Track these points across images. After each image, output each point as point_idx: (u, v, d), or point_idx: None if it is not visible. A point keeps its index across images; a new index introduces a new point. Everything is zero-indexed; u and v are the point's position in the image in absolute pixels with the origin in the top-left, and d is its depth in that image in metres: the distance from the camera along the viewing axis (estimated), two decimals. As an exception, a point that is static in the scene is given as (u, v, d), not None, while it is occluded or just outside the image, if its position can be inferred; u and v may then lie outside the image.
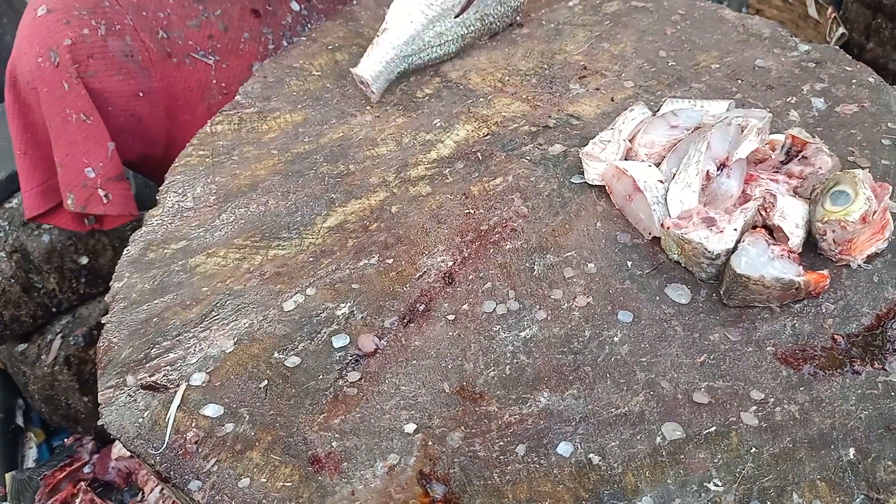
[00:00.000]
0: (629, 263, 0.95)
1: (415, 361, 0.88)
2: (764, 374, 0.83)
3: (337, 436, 0.81)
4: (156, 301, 0.97)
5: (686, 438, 0.78)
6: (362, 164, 1.15)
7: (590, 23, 1.41)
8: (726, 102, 1.09)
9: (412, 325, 0.91)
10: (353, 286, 0.96)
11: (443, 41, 1.30)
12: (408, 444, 0.80)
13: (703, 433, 0.78)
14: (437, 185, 1.09)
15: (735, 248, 0.88)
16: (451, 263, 0.98)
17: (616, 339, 0.87)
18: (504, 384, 0.84)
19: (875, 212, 0.89)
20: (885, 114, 1.12)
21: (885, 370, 0.82)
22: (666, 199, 0.95)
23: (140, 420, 0.84)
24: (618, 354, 0.86)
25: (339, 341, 0.90)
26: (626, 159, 1.03)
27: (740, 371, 0.83)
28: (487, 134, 1.17)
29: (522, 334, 0.89)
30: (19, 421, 1.91)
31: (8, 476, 1.71)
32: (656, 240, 0.96)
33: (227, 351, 0.90)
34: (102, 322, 0.96)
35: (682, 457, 0.76)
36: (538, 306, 0.91)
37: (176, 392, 0.86)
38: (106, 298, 0.98)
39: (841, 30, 2.20)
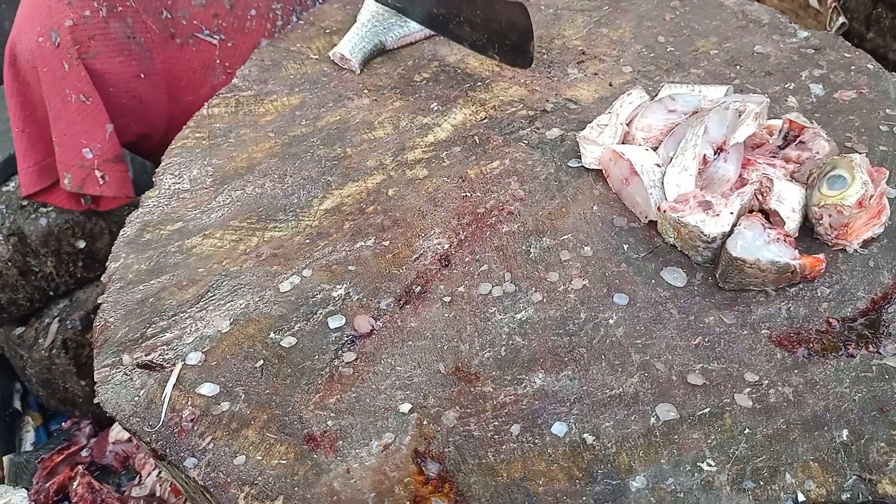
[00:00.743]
0: (625, 247, 0.95)
1: (410, 342, 0.88)
2: (758, 357, 0.83)
3: (332, 415, 0.81)
4: (152, 281, 0.97)
5: (680, 419, 0.78)
6: (359, 148, 1.15)
7: (588, 8, 1.41)
8: (724, 87, 1.08)
9: (408, 306, 0.91)
10: (350, 268, 0.96)
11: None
12: (403, 423, 0.80)
13: (696, 414, 0.78)
14: (433, 169, 1.09)
15: (731, 232, 0.88)
16: (447, 246, 0.98)
17: (611, 321, 0.88)
18: (499, 365, 0.85)
19: (871, 196, 0.89)
20: (884, 100, 1.12)
21: (880, 353, 0.82)
22: (663, 183, 0.95)
23: (136, 398, 0.84)
24: (613, 336, 0.86)
25: (335, 322, 0.90)
26: (623, 143, 1.03)
27: (735, 353, 0.83)
28: (485, 118, 1.17)
29: (518, 316, 0.89)
30: (17, 404, 1.91)
31: (5, 459, 1.72)
32: (653, 223, 0.96)
33: (223, 331, 0.90)
34: (99, 302, 0.96)
35: (676, 437, 0.77)
36: (534, 289, 0.92)
37: (172, 371, 0.86)
38: (102, 279, 0.99)
39: (841, 19, 2.19)
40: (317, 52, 1.36)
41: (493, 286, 0.92)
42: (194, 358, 0.87)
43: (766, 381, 0.81)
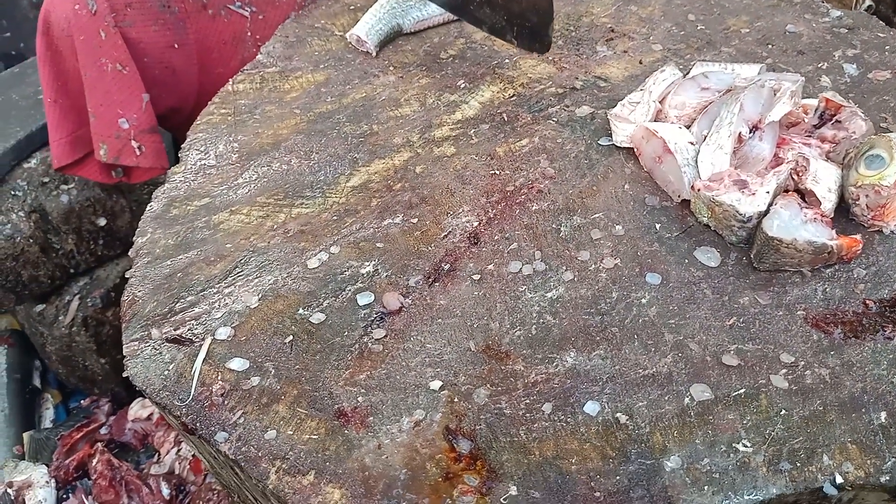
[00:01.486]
0: (657, 226, 0.94)
1: (440, 320, 0.87)
2: (794, 338, 0.82)
3: (363, 391, 0.81)
4: (179, 256, 0.97)
5: (715, 400, 0.77)
6: (385, 125, 1.14)
7: (617, -14, 1.39)
8: (757, 66, 1.07)
9: (437, 284, 0.91)
10: (378, 245, 0.95)
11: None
12: (433, 400, 0.80)
13: (731, 395, 0.77)
14: (461, 146, 1.08)
15: (767, 212, 0.87)
16: (476, 224, 0.97)
17: (644, 300, 0.86)
18: (530, 343, 0.84)
19: (911, 176, 0.88)
20: (920, 80, 1.10)
21: (918, 336, 0.81)
22: (696, 162, 0.94)
23: (165, 372, 0.84)
24: (645, 316, 0.85)
25: (364, 299, 0.89)
26: (655, 121, 1.01)
27: (770, 334, 0.82)
28: (513, 95, 1.15)
29: (549, 295, 0.88)
30: (36, 382, 1.92)
31: (26, 436, 1.73)
32: (685, 202, 0.95)
33: (252, 307, 0.90)
34: (126, 276, 0.95)
35: (711, 418, 0.76)
36: (565, 267, 0.91)
37: (201, 345, 0.85)
38: (130, 253, 0.98)
39: (868, 2, 2.16)
40: (341, 29, 1.35)
41: (523, 264, 0.91)
42: (223, 333, 0.87)
43: (803, 363, 0.80)
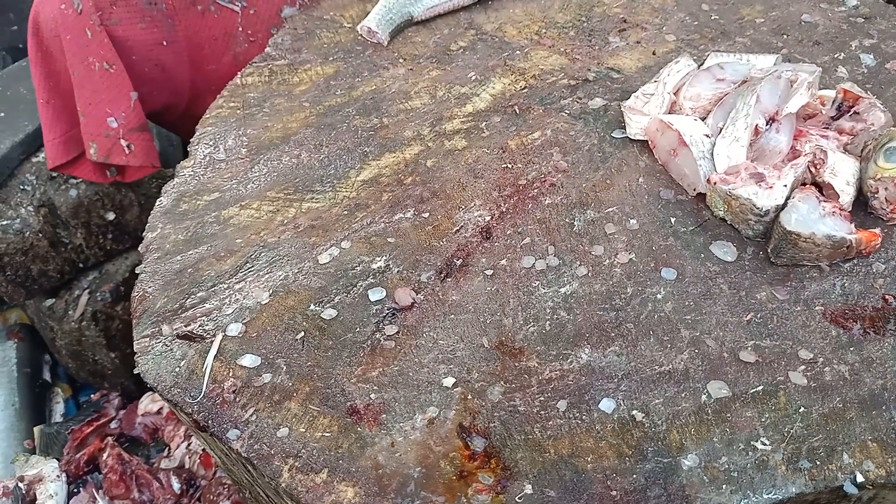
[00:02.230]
0: (672, 220, 0.92)
1: (452, 316, 0.86)
2: (813, 334, 0.81)
3: (375, 388, 0.80)
4: (190, 252, 0.96)
5: (732, 397, 0.76)
6: (396, 118, 1.12)
7: (629, -24, 1.37)
8: (773, 57, 1.05)
9: (449, 279, 0.90)
10: (389, 240, 0.95)
11: None
12: (447, 397, 0.79)
13: (749, 392, 0.76)
14: (472, 139, 1.07)
15: (785, 205, 0.86)
16: (488, 218, 0.96)
17: (659, 296, 0.85)
18: (544, 340, 0.83)
19: (932, 169, 0.86)
20: (939, 70, 1.08)
21: (939, 331, 0.80)
22: (712, 154, 0.92)
23: (177, 369, 0.83)
24: (661, 312, 0.84)
25: (376, 294, 0.89)
26: (670, 113, 1.00)
27: (788, 330, 0.81)
28: (524, 87, 1.14)
29: (563, 290, 0.87)
30: (46, 376, 1.92)
31: (36, 430, 1.73)
32: (701, 196, 0.94)
33: (263, 302, 0.89)
34: (136, 272, 0.95)
35: (729, 415, 0.75)
36: (578, 262, 0.89)
37: (213, 342, 0.85)
38: (140, 248, 0.97)
39: (882, -10, 2.14)
40: (350, 21, 1.34)
41: (536, 259, 0.90)
42: (234, 329, 0.86)
43: (821, 359, 0.78)
